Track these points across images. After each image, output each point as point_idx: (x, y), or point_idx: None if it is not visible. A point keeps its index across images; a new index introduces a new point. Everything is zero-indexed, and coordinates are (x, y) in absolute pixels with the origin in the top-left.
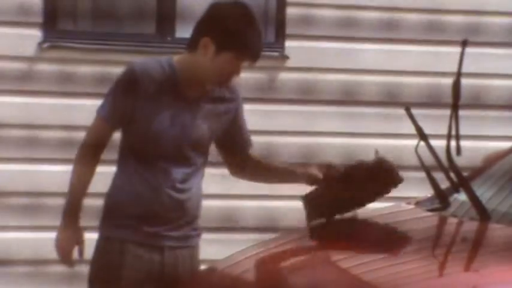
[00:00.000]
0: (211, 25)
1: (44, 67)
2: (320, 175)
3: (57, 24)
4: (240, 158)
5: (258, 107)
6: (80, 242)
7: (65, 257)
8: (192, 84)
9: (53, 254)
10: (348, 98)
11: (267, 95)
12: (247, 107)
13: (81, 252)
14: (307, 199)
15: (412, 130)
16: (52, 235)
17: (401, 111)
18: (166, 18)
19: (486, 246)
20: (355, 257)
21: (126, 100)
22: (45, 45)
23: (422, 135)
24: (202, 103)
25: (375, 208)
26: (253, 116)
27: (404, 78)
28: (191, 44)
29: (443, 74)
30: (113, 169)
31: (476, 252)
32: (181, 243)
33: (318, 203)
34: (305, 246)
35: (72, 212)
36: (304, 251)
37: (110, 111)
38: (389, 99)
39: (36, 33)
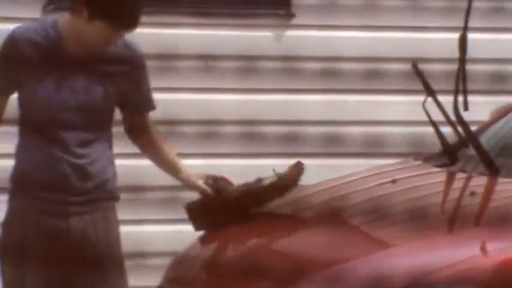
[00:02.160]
0: None
1: None
2: (207, 190)
3: None
4: (136, 120)
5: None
6: None
7: None
8: (79, 47)
9: None
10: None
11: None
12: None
13: None
14: (190, 208)
15: None
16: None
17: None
18: None
19: (495, 201)
20: (364, 215)
21: (11, 68)
22: (49, 7)
23: (429, 91)
24: (93, 65)
25: (384, 164)
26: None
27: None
28: (72, 6)
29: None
30: None
31: (485, 207)
32: (89, 208)
33: (203, 213)
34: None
35: None
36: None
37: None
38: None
39: None
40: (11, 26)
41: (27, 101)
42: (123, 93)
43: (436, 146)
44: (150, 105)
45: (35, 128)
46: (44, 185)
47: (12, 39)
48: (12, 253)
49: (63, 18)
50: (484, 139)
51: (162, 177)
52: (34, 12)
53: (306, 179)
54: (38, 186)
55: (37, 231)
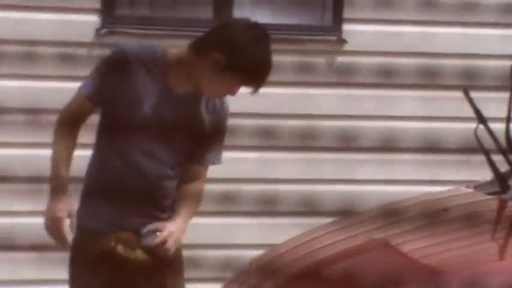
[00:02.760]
0: (228, 44)
1: (101, 52)
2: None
3: (114, 9)
4: (187, 169)
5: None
6: (71, 215)
7: (58, 236)
8: (181, 83)
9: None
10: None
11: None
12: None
13: (73, 226)
14: None
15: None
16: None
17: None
18: (223, 2)
19: None
20: (418, 241)
21: (113, 80)
22: (103, 31)
23: (481, 118)
24: (186, 100)
25: (435, 192)
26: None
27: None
28: (199, 49)
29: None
30: None
31: None
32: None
33: None
34: (366, 231)
35: (59, 184)
36: (365, 235)
37: (96, 90)
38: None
39: (94, 19)
40: (63, 50)
41: (118, 117)
42: (198, 142)
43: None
44: (203, 163)
45: (118, 143)
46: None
47: (124, 53)
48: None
49: (175, 50)
50: None
51: None
52: (87, 36)
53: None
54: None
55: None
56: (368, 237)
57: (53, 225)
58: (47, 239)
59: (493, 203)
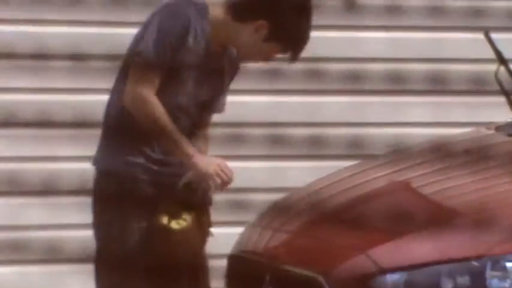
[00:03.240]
0: (274, 13)
1: None
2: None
3: None
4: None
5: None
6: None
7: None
8: (218, 43)
9: None
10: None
11: None
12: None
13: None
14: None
15: None
16: None
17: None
18: None
19: None
20: (440, 182)
21: (177, 50)
22: None
23: (501, 60)
24: (219, 59)
25: (455, 134)
26: None
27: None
28: (241, 14)
29: None
30: None
31: None
32: None
33: None
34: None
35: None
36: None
37: (165, 56)
38: None
39: None
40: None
41: (172, 84)
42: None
43: None
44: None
45: None
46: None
47: (187, 20)
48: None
49: (215, 12)
50: None
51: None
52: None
53: None
54: None
55: None
56: (390, 180)
57: (226, 168)
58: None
59: None
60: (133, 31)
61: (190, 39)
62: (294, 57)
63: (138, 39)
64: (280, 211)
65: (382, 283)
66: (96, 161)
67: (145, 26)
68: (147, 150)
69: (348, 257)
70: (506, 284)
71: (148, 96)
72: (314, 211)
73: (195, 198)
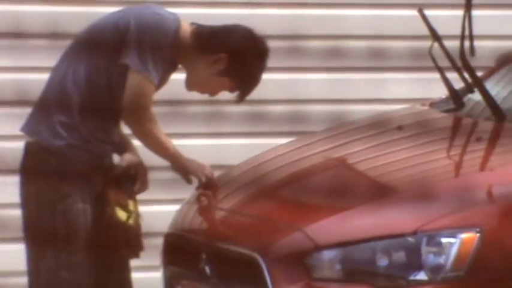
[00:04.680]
0: (237, 50)
1: None
2: None
3: None
4: None
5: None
6: None
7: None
8: (174, 64)
9: None
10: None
11: None
12: None
13: None
14: None
15: None
16: None
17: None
18: None
19: (501, 146)
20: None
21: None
22: None
23: (435, 36)
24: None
25: (390, 110)
26: None
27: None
28: (206, 46)
29: None
30: None
31: (491, 152)
32: None
33: None
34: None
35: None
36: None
37: (157, 75)
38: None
39: None
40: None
41: None
42: None
43: None
44: None
45: None
46: None
47: (174, 32)
48: None
49: (183, 33)
50: (490, 85)
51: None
52: None
53: None
54: None
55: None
56: (327, 156)
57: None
58: None
59: (448, 120)
60: (113, 9)
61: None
62: (241, 98)
63: (111, 29)
64: (217, 188)
65: (318, 260)
66: (29, 131)
67: (122, 21)
68: (85, 129)
69: (284, 234)
70: (442, 260)
71: (156, 129)
72: (251, 188)
73: (132, 182)
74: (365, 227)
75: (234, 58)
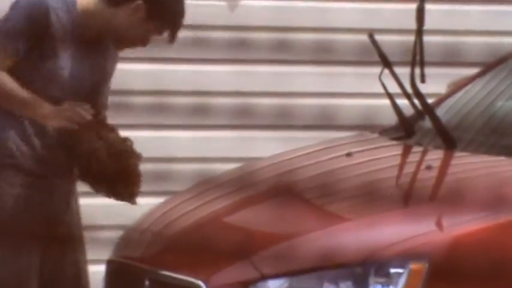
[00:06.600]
0: None
1: None
2: None
3: None
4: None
5: None
6: None
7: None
8: (91, 36)
9: None
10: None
11: None
12: None
13: None
14: None
15: None
16: None
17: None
18: None
19: (451, 175)
20: (317, 190)
21: (34, 34)
22: None
23: (386, 62)
24: (104, 49)
25: (338, 137)
26: None
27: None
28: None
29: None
30: None
31: (441, 182)
32: None
33: None
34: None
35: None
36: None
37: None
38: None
39: None
40: None
41: (43, 72)
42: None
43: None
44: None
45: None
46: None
47: (41, 5)
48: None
49: (82, 2)
50: (441, 112)
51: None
52: None
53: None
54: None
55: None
56: (275, 183)
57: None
58: None
59: (397, 148)
60: None
61: (53, 29)
62: (173, 36)
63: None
64: (160, 216)
65: None
66: None
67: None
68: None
69: (230, 263)
70: None
71: None
72: (197, 214)
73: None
74: (312, 256)
75: (151, 1)
